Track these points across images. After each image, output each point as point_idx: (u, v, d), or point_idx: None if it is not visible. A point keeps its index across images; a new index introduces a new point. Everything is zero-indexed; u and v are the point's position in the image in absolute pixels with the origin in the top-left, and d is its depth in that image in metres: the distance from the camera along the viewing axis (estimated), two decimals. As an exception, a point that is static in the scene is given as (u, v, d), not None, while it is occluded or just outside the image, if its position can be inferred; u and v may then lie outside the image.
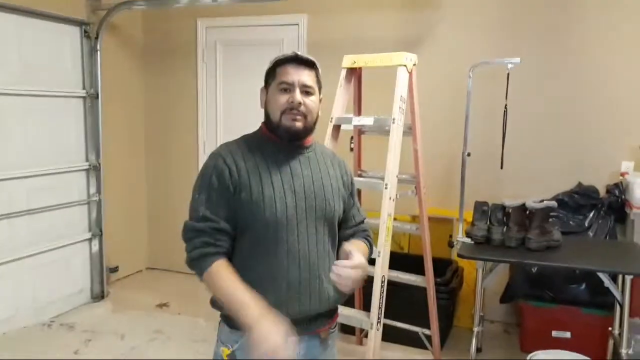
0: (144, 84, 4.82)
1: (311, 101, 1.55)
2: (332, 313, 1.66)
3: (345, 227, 1.71)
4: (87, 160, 4.12)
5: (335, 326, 1.72)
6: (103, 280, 4.26)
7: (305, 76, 1.55)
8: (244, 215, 1.50)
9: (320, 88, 1.61)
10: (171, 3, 4.10)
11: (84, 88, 4.06)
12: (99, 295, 4.23)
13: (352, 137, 3.25)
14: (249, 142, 1.60)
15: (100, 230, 4.21)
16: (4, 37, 3.46)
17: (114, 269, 4.53)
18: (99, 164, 4.14)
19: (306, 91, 1.55)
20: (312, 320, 1.58)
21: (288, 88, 1.53)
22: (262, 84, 1.63)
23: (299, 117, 1.53)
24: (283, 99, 1.53)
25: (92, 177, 4.16)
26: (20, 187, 3.62)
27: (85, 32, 4.02)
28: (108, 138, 4.26)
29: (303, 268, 1.53)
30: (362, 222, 1.77)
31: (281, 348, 1.35)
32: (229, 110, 4.57)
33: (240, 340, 1.55)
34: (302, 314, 1.54)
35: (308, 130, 1.58)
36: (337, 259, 1.60)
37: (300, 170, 1.57)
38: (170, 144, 4.81)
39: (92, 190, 4.17)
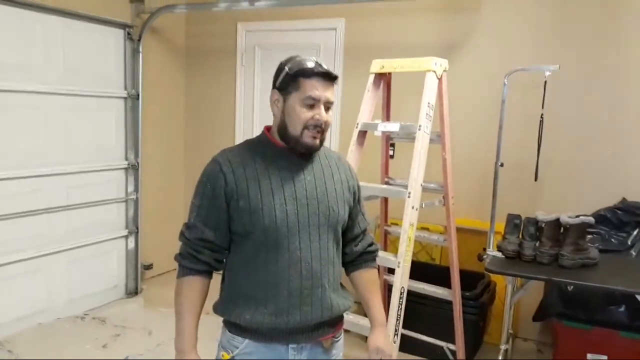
0: (185, 85, 4.92)
1: (330, 117, 1.53)
2: (335, 321, 1.62)
3: (350, 235, 1.67)
4: (126, 159, 4.22)
5: (340, 335, 1.68)
6: (137, 277, 4.36)
7: (330, 92, 1.52)
8: (244, 222, 1.49)
9: None
10: (211, 7, 4.16)
11: (125, 89, 4.17)
12: (132, 292, 4.33)
13: (392, 144, 3.16)
14: (250, 147, 1.58)
15: (137, 228, 4.31)
16: (51, 38, 3.59)
17: (149, 266, 4.62)
18: (138, 163, 4.25)
19: (327, 107, 1.52)
20: (314, 329, 1.55)
21: (314, 104, 1.50)
22: None
23: (318, 135, 1.51)
24: (308, 114, 1.49)
25: (131, 175, 4.26)
26: (60, 183, 3.74)
27: (129, 34, 4.13)
28: (147, 137, 4.36)
29: (305, 276, 1.50)
30: (366, 229, 1.73)
31: None
32: (265, 113, 4.60)
33: (240, 346, 1.54)
34: (303, 323, 1.51)
35: (322, 143, 1.57)
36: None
37: (303, 175, 1.54)
38: (208, 144, 4.87)
39: (130, 188, 4.27)
